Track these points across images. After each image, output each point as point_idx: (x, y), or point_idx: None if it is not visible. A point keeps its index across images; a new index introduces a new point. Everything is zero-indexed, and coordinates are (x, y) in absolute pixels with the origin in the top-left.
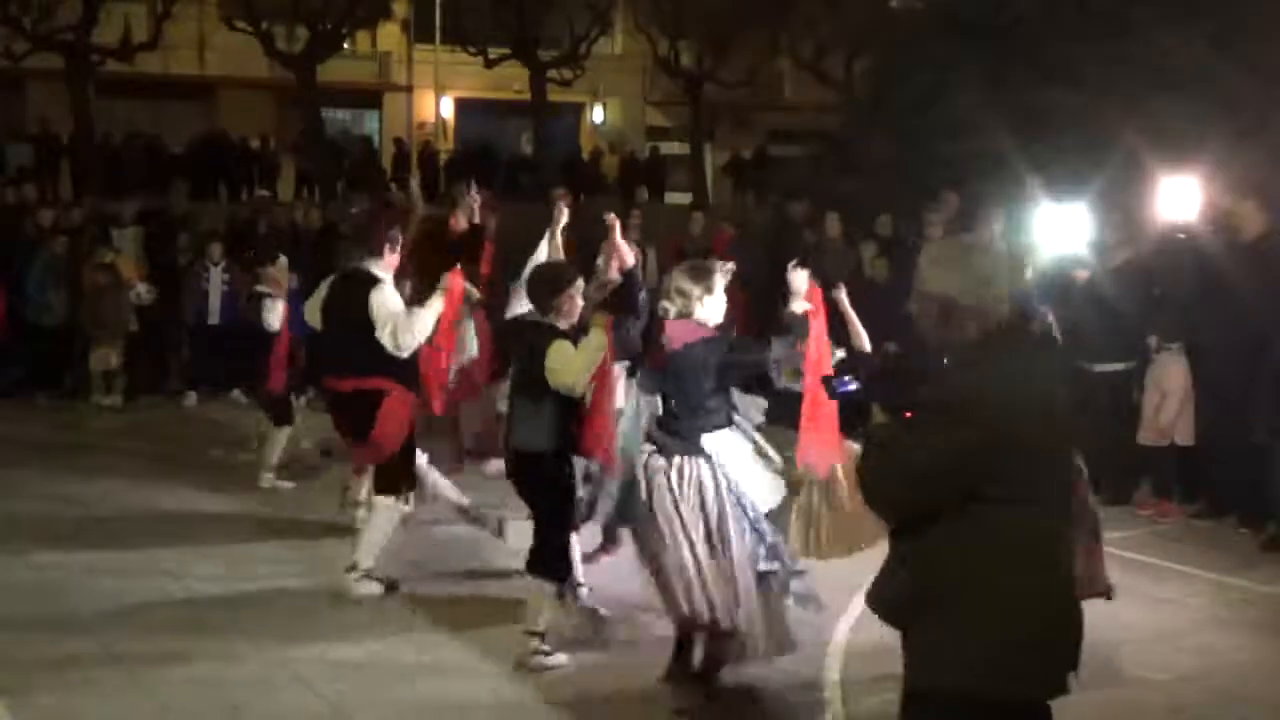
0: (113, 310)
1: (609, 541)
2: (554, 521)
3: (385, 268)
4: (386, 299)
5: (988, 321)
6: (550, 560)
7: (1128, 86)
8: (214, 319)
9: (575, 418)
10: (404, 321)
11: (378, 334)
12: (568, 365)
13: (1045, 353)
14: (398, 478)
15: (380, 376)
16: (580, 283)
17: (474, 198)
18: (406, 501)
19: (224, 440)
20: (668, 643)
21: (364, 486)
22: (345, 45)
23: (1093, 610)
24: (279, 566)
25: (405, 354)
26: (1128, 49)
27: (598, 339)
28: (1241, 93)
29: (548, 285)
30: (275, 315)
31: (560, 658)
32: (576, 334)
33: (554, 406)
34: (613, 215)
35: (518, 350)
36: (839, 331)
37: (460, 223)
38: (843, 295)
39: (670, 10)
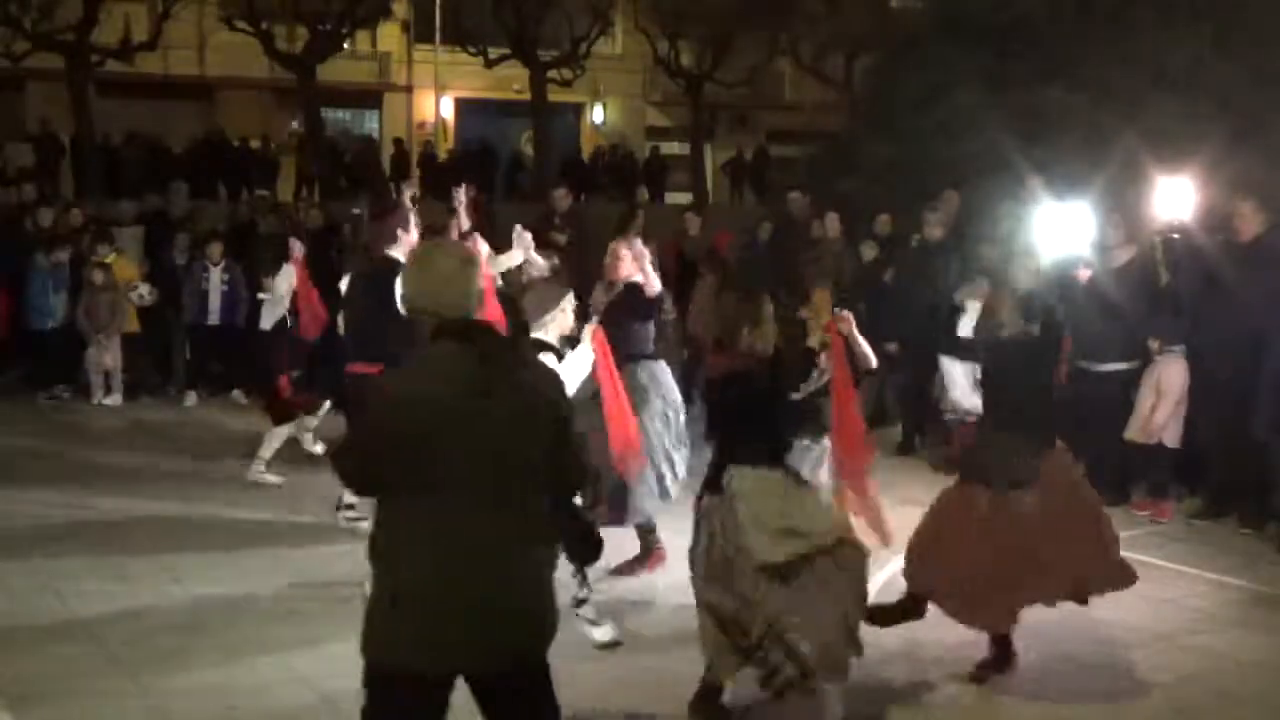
0: (113, 310)
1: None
2: None
3: (403, 249)
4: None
5: (440, 322)
6: None
7: (1127, 87)
8: (214, 319)
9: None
10: None
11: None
12: None
13: (479, 354)
14: None
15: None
16: (570, 298)
17: (460, 200)
18: None
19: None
20: (660, 642)
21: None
22: (345, 45)
23: (1093, 611)
24: (278, 567)
25: None
26: (1128, 49)
27: (583, 352)
28: (1240, 93)
29: (538, 302)
30: (270, 318)
31: None
32: (570, 347)
33: None
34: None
35: None
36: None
37: (460, 227)
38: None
39: (670, 10)
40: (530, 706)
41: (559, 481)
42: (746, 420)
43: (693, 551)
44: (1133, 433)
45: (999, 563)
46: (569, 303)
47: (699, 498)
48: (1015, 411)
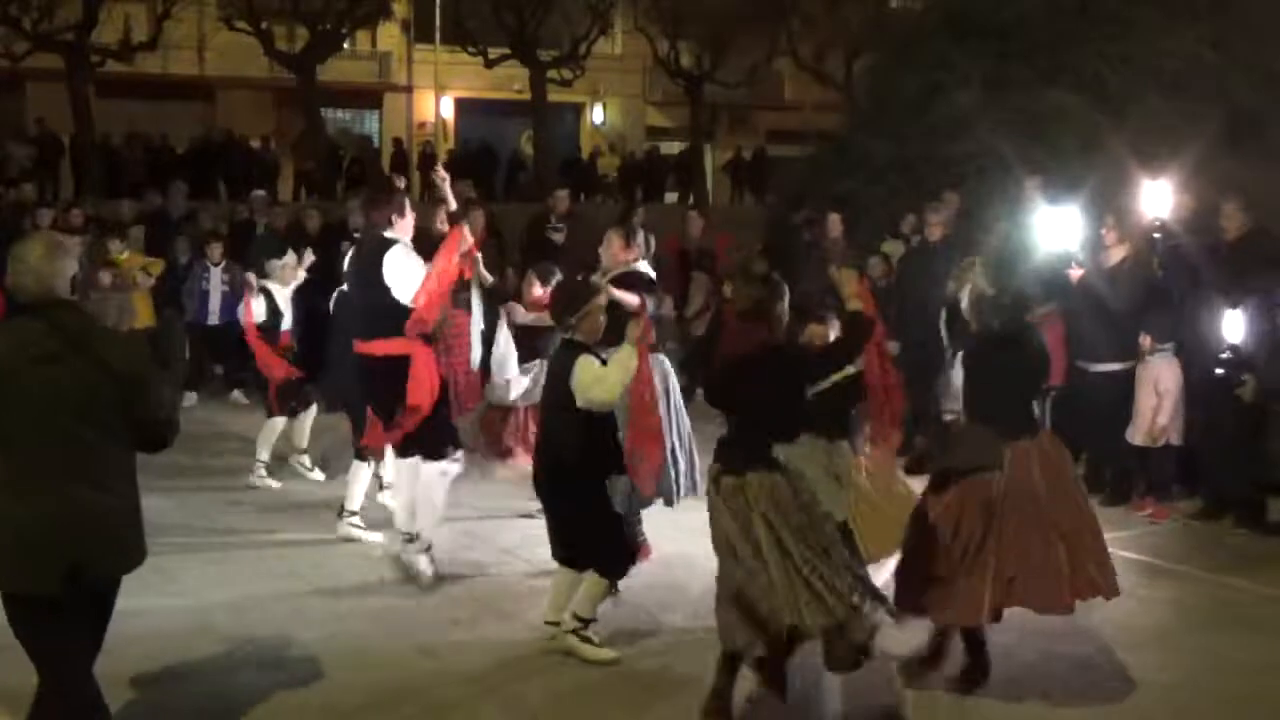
0: (121, 311)
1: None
2: (605, 523)
3: (399, 232)
4: (399, 258)
5: (27, 298)
6: (611, 558)
7: (1126, 87)
8: (214, 319)
9: (605, 433)
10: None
11: (395, 294)
12: (597, 381)
13: (52, 327)
14: (440, 441)
15: (403, 338)
16: (602, 299)
17: (439, 178)
18: (455, 460)
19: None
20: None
21: (358, 493)
22: (345, 45)
23: (1090, 611)
24: (278, 570)
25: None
26: (1127, 50)
27: (628, 353)
28: (1237, 94)
29: (568, 303)
30: (259, 306)
31: (607, 651)
32: (604, 347)
33: (582, 423)
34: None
35: (550, 369)
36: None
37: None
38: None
39: (670, 10)
40: (86, 623)
41: (138, 437)
42: (784, 398)
43: (723, 534)
44: (1138, 437)
45: (961, 547)
46: (600, 303)
47: (717, 479)
48: (985, 403)
